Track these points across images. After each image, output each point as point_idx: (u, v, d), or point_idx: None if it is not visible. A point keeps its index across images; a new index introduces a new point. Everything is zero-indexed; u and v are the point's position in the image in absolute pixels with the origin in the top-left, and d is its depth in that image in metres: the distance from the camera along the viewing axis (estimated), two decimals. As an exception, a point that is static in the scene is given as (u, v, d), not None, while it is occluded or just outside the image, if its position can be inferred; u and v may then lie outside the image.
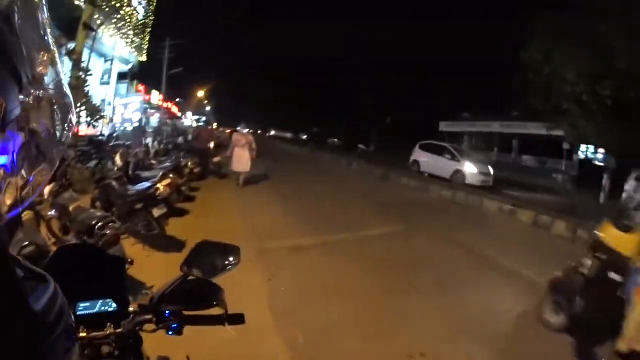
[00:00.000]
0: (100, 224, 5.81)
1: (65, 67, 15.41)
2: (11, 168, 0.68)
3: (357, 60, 51.69)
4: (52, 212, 7.34)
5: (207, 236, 6.21)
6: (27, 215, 5.65)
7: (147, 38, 37.04)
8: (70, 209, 6.55)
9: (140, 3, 32.53)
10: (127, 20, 30.53)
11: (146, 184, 8.01)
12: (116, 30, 29.11)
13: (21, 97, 0.66)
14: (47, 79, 0.76)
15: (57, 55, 0.80)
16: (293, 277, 6.86)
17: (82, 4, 16.72)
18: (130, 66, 35.43)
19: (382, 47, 47.87)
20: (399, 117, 48.59)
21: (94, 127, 16.17)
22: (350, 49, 53.55)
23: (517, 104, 28.64)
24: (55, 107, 0.78)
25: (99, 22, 18.81)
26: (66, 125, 0.82)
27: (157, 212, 7.65)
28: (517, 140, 34.51)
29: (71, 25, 16.70)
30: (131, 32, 32.35)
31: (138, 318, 1.67)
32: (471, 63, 38.83)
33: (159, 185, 7.91)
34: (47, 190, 7.70)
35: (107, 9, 21.12)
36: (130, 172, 9.91)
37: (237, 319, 1.74)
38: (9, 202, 0.68)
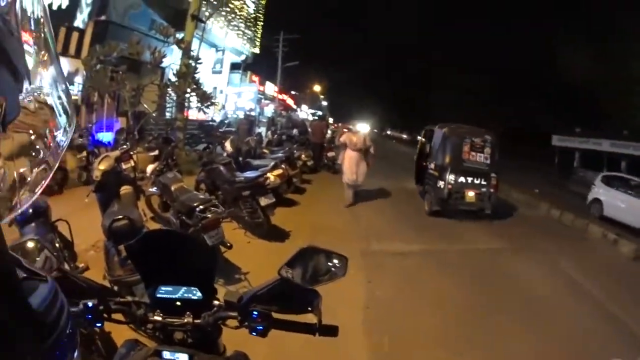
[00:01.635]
0: (201, 207, 5.92)
1: (174, 56, 16.10)
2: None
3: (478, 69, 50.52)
4: (153, 189, 7.67)
5: (311, 230, 6.26)
6: (125, 190, 5.87)
7: (260, 31, 37.95)
8: (173, 188, 6.68)
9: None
10: (237, 13, 31.44)
11: (256, 172, 8.09)
12: (226, 23, 30.02)
13: (21, 96, 0.66)
14: (47, 79, 0.76)
15: (57, 54, 0.79)
16: (391, 282, 6.75)
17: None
18: (243, 57, 36.33)
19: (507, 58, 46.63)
20: (510, 127, 46.96)
21: (205, 112, 16.64)
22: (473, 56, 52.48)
23: (628, 121, 26.50)
24: (55, 105, 0.77)
25: (207, 14, 19.43)
26: (66, 125, 0.81)
27: (264, 201, 7.71)
28: (626, 161, 31.84)
29: (179, 16, 17.44)
30: (242, 25, 33.26)
31: (221, 313, 1.64)
32: (588, 76, 36.84)
33: (269, 175, 7.98)
34: (150, 168, 7.95)
35: (215, 2, 21.80)
36: (241, 159, 10.06)
37: (330, 331, 1.62)
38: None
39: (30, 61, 0.71)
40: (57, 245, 4.57)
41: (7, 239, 0.75)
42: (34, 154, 0.72)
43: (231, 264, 6.13)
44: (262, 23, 38.22)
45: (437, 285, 6.80)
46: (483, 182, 11.15)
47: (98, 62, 13.61)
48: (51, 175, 0.77)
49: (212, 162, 8.61)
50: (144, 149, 11.59)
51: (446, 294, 6.50)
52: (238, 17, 32.79)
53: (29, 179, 0.71)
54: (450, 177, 11.05)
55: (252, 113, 32.59)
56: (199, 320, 1.62)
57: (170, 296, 1.65)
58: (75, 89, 16.51)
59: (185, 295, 1.64)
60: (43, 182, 0.75)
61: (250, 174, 8.17)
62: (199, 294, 1.64)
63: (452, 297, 6.42)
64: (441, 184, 11.15)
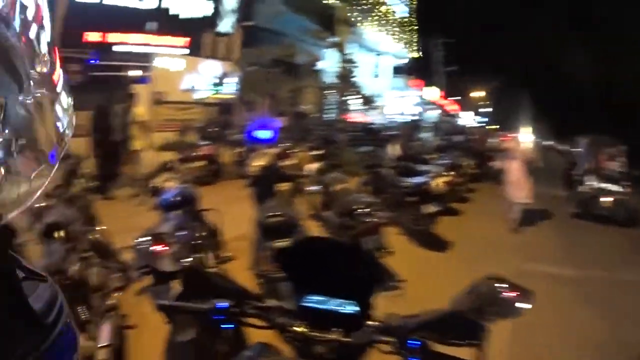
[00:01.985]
0: (364, 210, 5.78)
1: (330, 59, 16.32)
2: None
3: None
4: (315, 188, 7.66)
5: (471, 243, 5.75)
6: (283, 187, 5.82)
7: (415, 35, 37.74)
8: (335, 188, 6.67)
9: (401, 1, 33.21)
10: (388, 18, 31.47)
11: (421, 178, 7.88)
12: (379, 27, 30.16)
13: (21, 97, 0.66)
14: (47, 79, 0.74)
15: (57, 54, 0.77)
16: (543, 311, 5.86)
17: (336, 2, 17.64)
18: (403, 61, 36.37)
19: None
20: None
21: (367, 115, 16.74)
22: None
23: None
24: (56, 107, 0.74)
25: (356, 18, 19.68)
26: (66, 125, 0.78)
27: (428, 208, 7.48)
28: None
29: (327, 21, 17.83)
30: (397, 29, 33.25)
31: (376, 336, 1.46)
32: None
33: (434, 181, 7.69)
34: (313, 166, 8.01)
35: (362, 7, 22.04)
36: (405, 164, 9.88)
37: None
38: None
39: (30, 61, 0.67)
40: (201, 233, 4.68)
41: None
42: (32, 156, 0.69)
43: (388, 270, 5.94)
44: (416, 27, 37.94)
45: (596, 324, 5.76)
46: (619, 189, 11.25)
47: (251, 64, 14.20)
48: (49, 178, 0.74)
49: (378, 164, 8.54)
50: (305, 148, 11.84)
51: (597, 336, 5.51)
52: (391, 21, 32.89)
53: (27, 182, 0.69)
54: (590, 182, 11.52)
55: (416, 118, 32.37)
56: (348, 339, 1.45)
57: (319, 306, 1.51)
58: (230, 89, 17.34)
59: (337, 308, 1.50)
60: (41, 185, 0.73)
61: (416, 179, 7.97)
62: (353, 308, 1.49)
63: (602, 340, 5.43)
64: (582, 188, 11.62)
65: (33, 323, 0.79)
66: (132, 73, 15.59)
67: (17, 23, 0.65)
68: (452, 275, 6.26)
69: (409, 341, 1.40)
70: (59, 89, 0.78)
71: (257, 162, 5.84)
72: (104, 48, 15.14)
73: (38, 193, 0.74)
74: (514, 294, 1.52)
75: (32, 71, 0.69)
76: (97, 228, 5.29)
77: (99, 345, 3.50)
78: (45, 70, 0.73)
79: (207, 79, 16.92)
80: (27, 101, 0.68)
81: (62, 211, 4.41)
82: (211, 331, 3.72)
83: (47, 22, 0.76)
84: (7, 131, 0.63)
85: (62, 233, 4.07)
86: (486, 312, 1.46)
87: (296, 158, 9.29)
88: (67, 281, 3.57)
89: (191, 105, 16.71)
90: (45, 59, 0.74)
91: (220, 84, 16.52)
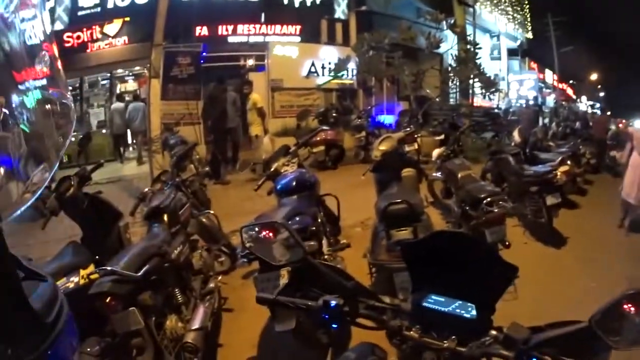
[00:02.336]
0: (489, 199, 5.48)
1: (450, 42, 16.23)
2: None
3: None
4: (437, 174, 7.48)
5: (587, 241, 5.17)
6: (407, 172, 5.61)
7: (529, 15, 36.16)
8: (459, 175, 6.38)
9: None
10: None
11: (545, 167, 7.37)
12: (493, 7, 29.07)
13: (21, 97, 0.66)
14: (47, 79, 0.75)
15: (57, 54, 0.79)
16: None
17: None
18: (518, 43, 35.16)
19: None
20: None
21: (490, 99, 16.21)
22: None
23: None
24: (55, 106, 0.75)
25: None
26: (66, 124, 0.80)
27: (550, 200, 7.00)
28: None
29: (444, 3, 17.42)
30: (509, 8, 31.98)
31: (493, 349, 1.30)
32: None
33: (557, 171, 7.15)
34: (436, 152, 7.78)
35: None
36: (528, 151, 9.35)
37: None
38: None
39: (30, 62, 0.69)
40: (317, 219, 4.63)
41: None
42: (33, 154, 0.70)
43: (512, 271, 5.54)
44: (528, 5, 36.07)
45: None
46: None
47: (369, 48, 14.15)
48: (50, 177, 0.74)
49: (501, 151, 8.13)
50: (428, 133, 11.67)
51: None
52: (504, 1, 31.62)
53: (29, 179, 0.70)
54: None
55: (535, 102, 30.94)
56: (462, 349, 1.32)
57: (439, 308, 1.41)
58: (350, 74, 17.42)
59: (457, 311, 1.39)
60: (43, 183, 0.75)
61: (538, 168, 7.47)
62: (473, 312, 1.37)
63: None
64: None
65: (33, 323, 0.81)
66: (248, 62, 16.02)
67: (17, 24, 0.66)
68: (566, 275, 5.97)
69: (532, 359, 1.24)
70: (58, 88, 0.80)
71: (382, 147, 5.65)
72: (219, 40, 15.68)
73: (38, 193, 0.77)
74: None
75: (32, 71, 0.70)
76: (205, 212, 5.39)
77: (191, 328, 3.52)
78: (45, 69, 0.75)
79: (325, 65, 17.09)
80: (27, 101, 0.69)
81: (168, 195, 4.49)
82: (316, 326, 3.62)
83: (46, 22, 0.77)
84: (7, 131, 0.63)
85: (164, 217, 4.15)
86: (623, 337, 1.22)
87: (419, 143, 9.05)
88: (167, 264, 3.61)
89: (310, 91, 16.99)
90: (45, 58, 0.76)
91: (338, 69, 16.50)
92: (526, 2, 35.66)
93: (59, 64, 0.80)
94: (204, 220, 5.13)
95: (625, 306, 1.22)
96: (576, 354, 1.25)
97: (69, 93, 0.86)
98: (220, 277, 4.93)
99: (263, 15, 16.19)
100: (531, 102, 28.35)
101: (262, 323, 4.36)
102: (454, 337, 1.34)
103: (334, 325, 1.50)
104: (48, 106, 0.76)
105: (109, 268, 3.07)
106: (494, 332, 1.33)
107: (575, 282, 5.54)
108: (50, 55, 0.77)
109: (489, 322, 1.38)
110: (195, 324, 3.58)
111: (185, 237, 4.37)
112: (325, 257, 4.40)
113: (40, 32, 0.74)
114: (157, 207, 4.24)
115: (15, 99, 0.64)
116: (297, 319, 3.46)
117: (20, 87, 0.66)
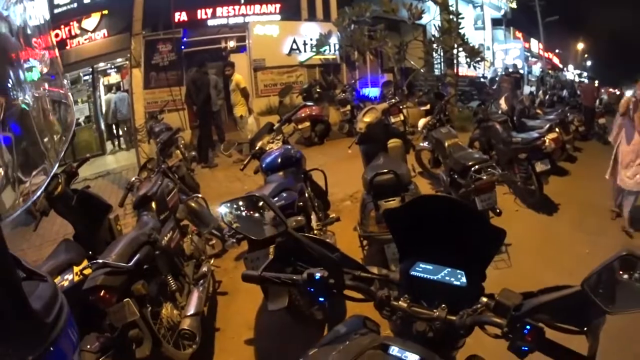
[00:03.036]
0: (477, 167, 5.52)
1: (432, 13, 16.17)
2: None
3: None
4: (425, 144, 7.56)
5: (579, 208, 5.28)
6: (393, 143, 5.59)
7: None
8: (446, 144, 6.43)
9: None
10: None
11: (533, 134, 7.37)
12: None
13: (21, 97, 0.69)
14: (46, 79, 0.81)
15: (57, 54, 0.78)
16: None
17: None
18: (502, 12, 35.08)
19: None
20: None
21: (475, 68, 16.18)
22: None
23: None
24: (55, 106, 0.79)
25: None
26: (65, 123, 0.81)
27: (540, 167, 7.02)
28: None
29: None
30: None
31: (485, 317, 1.27)
32: None
33: (545, 138, 7.17)
34: (422, 122, 7.75)
35: None
36: (515, 118, 9.35)
37: None
38: None
39: (30, 63, 0.68)
40: (305, 194, 4.64)
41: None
42: (32, 155, 0.71)
43: (501, 236, 5.53)
44: None
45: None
46: None
47: (351, 22, 14.10)
48: (49, 178, 0.70)
49: (488, 119, 8.09)
50: (414, 104, 11.67)
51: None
52: None
53: (27, 181, 0.71)
54: None
55: (519, 70, 31.00)
56: (452, 317, 1.29)
57: (428, 276, 1.39)
58: (332, 49, 17.22)
59: (447, 278, 1.37)
60: (43, 183, 0.75)
61: (527, 135, 7.44)
62: (463, 279, 1.35)
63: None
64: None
65: (33, 323, 0.82)
66: (229, 44, 15.91)
67: (17, 24, 0.67)
68: (558, 242, 5.97)
69: (523, 326, 1.20)
70: (58, 87, 0.80)
71: (366, 119, 5.62)
72: (199, 24, 15.51)
73: (39, 192, 0.77)
74: None
75: (32, 71, 0.69)
76: (193, 196, 5.36)
77: (186, 314, 3.51)
78: (45, 69, 0.76)
79: (307, 42, 16.92)
80: (27, 101, 0.69)
81: (155, 183, 4.46)
82: (306, 300, 3.62)
83: (46, 22, 0.77)
84: (7, 131, 0.63)
85: (153, 204, 4.12)
86: (616, 300, 1.16)
87: (405, 114, 9.00)
88: (157, 251, 3.58)
89: (293, 68, 16.80)
90: (45, 58, 0.77)
91: (320, 45, 16.39)
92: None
93: (60, 62, 0.77)
94: (192, 204, 5.11)
95: (618, 268, 1.16)
96: (570, 319, 1.23)
97: (69, 92, 0.83)
98: (212, 261, 4.92)
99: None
100: (511, 70, 28.56)
101: (257, 304, 4.38)
102: (444, 305, 1.31)
103: (320, 299, 1.47)
104: (48, 106, 0.76)
105: (100, 261, 3.04)
106: (485, 299, 1.30)
107: (569, 249, 5.56)
108: (52, 57, 0.78)
109: (479, 289, 1.35)
110: (191, 310, 3.57)
111: (175, 223, 4.35)
112: (315, 232, 4.39)
113: (42, 31, 0.74)
114: (144, 196, 4.20)
115: (15, 99, 0.65)
116: (290, 297, 3.49)
117: (20, 87, 0.66)
